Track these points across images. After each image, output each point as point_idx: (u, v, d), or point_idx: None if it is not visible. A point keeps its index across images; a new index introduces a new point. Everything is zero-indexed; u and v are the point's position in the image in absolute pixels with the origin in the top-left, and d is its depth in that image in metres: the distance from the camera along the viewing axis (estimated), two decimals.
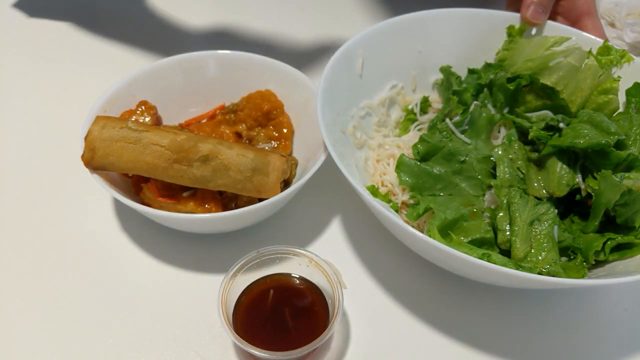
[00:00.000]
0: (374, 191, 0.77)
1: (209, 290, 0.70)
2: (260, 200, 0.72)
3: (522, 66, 0.84)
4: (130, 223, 0.79)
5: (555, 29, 0.85)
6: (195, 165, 0.70)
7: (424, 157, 0.76)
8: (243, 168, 0.70)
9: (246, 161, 0.71)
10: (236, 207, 0.74)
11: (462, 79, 0.86)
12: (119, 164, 0.71)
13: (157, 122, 0.82)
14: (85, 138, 0.71)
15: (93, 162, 0.71)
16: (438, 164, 0.75)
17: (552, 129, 0.75)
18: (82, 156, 0.71)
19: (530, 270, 0.63)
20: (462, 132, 0.78)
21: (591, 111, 0.75)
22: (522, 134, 0.79)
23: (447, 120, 0.79)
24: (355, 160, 0.78)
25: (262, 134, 0.84)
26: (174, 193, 0.73)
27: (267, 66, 0.86)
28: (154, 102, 0.83)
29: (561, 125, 0.74)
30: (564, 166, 0.72)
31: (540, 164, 0.75)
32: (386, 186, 0.79)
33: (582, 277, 0.68)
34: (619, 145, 0.71)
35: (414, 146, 0.77)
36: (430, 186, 0.74)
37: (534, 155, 0.76)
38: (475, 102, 0.81)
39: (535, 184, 0.74)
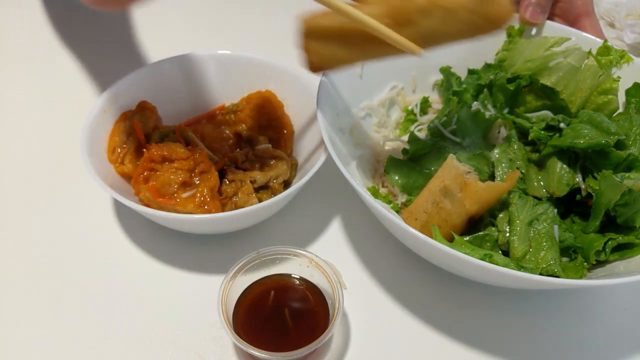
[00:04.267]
0: (374, 192, 0.77)
1: (209, 290, 0.69)
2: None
3: (521, 66, 0.84)
4: (130, 223, 0.79)
5: (555, 29, 0.86)
6: (419, 21, 0.61)
7: (413, 157, 0.76)
8: (470, 3, 0.60)
9: None
10: (236, 208, 0.74)
11: (462, 79, 0.86)
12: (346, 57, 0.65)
13: (157, 122, 0.82)
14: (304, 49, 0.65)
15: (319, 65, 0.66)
16: (428, 163, 0.75)
17: (552, 129, 0.75)
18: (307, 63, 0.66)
19: (531, 270, 0.63)
20: (452, 132, 0.78)
21: (591, 111, 0.75)
22: (523, 135, 0.79)
23: (435, 121, 0.79)
24: (356, 161, 0.78)
25: (262, 135, 0.84)
26: (173, 194, 0.73)
27: (267, 66, 0.86)
28: (154, 102, 0.82)
29: (561, 125, 0.74)
30: (564, 166, 0.72)
31: (540, 164, 0.75)
32: (386, 187, 0.79)
33: (581, 277, 0.68)
34: (619, 145, 0.71)
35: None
36: (421, 185, 0.73)
37: (535, 155, 0.76)
38: (475, 102, 0.81)
39: (536, 184, 0.74)
